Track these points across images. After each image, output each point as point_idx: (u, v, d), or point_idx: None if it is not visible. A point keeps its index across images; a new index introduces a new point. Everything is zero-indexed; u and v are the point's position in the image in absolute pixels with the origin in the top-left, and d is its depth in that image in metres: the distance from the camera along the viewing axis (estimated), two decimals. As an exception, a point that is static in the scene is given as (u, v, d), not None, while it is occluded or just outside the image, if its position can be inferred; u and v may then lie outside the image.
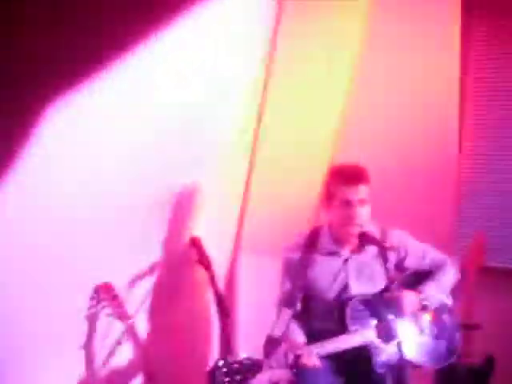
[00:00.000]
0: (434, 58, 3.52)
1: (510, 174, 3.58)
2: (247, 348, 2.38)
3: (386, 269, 2.26)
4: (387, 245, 2.38)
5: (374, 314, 2.46)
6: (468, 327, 3.26)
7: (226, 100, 3.14)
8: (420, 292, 2.53)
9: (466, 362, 3.24)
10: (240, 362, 2.09)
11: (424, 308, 2.52)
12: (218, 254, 3.28)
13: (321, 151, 3.67)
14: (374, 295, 2.50)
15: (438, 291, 2.58)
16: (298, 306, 2.50)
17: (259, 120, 3.43)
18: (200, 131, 3.04)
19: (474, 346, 3.26)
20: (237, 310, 3.68)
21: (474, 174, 3.67)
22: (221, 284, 3.52)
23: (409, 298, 2.48)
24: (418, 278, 2.63)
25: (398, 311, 2.46)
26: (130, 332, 2.53)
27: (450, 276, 2.64)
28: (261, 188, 3.58)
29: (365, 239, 2.40)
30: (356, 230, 2.42)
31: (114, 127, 2.54)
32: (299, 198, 3.69)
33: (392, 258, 2.53)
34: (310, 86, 3.51)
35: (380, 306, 2.46)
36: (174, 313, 3.22)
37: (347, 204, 2.43)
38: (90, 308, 2.54)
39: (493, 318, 3.40)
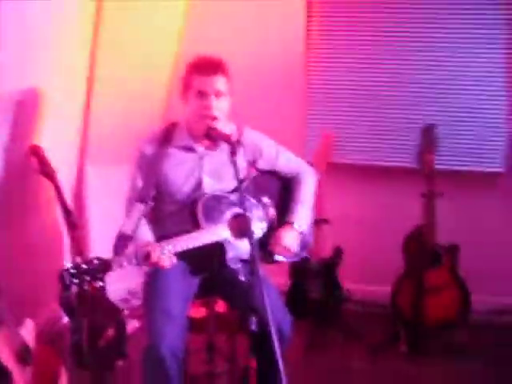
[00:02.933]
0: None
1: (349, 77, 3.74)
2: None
3: (236, 167, 2.17)
4: (233, 139, 2.28)
5: (227, 210, 2.41)
6: (319, 222, 3.40)
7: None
8: (294, 224, 2.49)
9: (318, 255, 3.41)
10: (89, 262, 1.99)
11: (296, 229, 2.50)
12: (62, 164, 3.07)
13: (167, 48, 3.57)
14: (228, 192, 2.44)
15: (308, 211, 2.57)
16: (150, 203, 2.37)
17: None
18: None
19: (326, 238, 3.42)
20: (87, 220, 3.53)
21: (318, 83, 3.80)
22: (68, 195, 3.35)
23: (290, 237, 2.47)
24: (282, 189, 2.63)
25: (285, 252, 2.46)
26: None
27: (311, 186, 2.63)
28: (104, 94, 3.36)
29: (212, 134, 2.32)
30: (211, 123, 2.32)
31: None
32: (145, 103, 3.56)
33: (243, 156, 2.48)
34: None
35: (233, 202, 2.42)
36: (20, 228, 3.00)
37: (202, 95, 2.31)
38: None
39: (339, 212, 3.58)
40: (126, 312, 3.45)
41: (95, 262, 2.01)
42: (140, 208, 2.27)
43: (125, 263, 2.09)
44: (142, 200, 2.30)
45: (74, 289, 1.96)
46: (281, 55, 3.72)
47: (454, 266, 3.31)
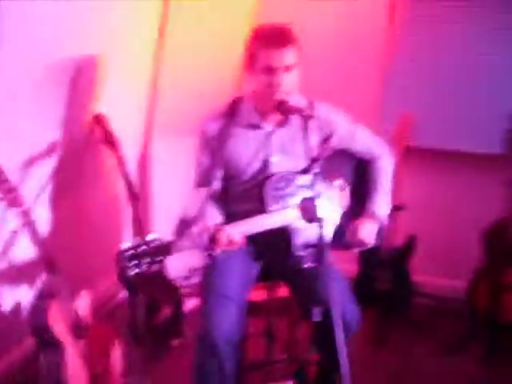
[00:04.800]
0: None
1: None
2: (162, 231, 2.14)
3: (308, 144, 1.98)
4: (307, 113, 2.06)
5: (296, 192, 2.23)
6: (394, 208, 3.19)
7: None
8: (376, 215, 2.30)
9: (389, 243, 3.20)
10: (148, 244, 1.85)
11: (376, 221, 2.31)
12: (128, 135, 2.98)
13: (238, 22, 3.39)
14: (297, 173, 2.25)
15: (388, 199, 2.37)
16: (216, 185, 2.25)
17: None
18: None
19: (399, 226, 3.20)
20: (151, 193, 3.44)
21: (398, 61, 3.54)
22: (132, 166, 3.28)
23: (369, 229, 2.27)
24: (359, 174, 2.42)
25: (361, 244, 2.26)
26: (26, 220, 2.24)
27: (389, 172, 2.41)
28: (173, 65, 3.24)
29: (284, 107, 2.11)
30: (282, 96, 2.11)
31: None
32: (214, 74, 3.43)
33: (317, 133, 2.28)
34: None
35: (303, 184, 2.23)
36: (80, 198, 2.95)
37: (271, 70, 2.10)
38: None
39: (416, 199, 3.35)
40: (186, 290, 3.40)
41: (155, 243, 1.86)
42: (204, 192, 2.13)
43: (187, 246, 1.96)
44: (206, 183, 2.16)
45: (132, 270, 1.82)
46: (360, 27, 3.51)
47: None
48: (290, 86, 2.13)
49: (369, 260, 3.24)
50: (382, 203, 2.34)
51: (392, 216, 3.13)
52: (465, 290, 3.14)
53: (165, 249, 1.89)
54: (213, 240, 2.00)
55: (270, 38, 2.10)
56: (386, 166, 2.41)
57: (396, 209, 3.20)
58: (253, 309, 2.83)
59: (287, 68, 2.11)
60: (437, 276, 3.55)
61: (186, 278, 3.56)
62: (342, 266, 3.06)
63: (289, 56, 2.10)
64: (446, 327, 3.30)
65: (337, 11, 3.53)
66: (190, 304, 3.28)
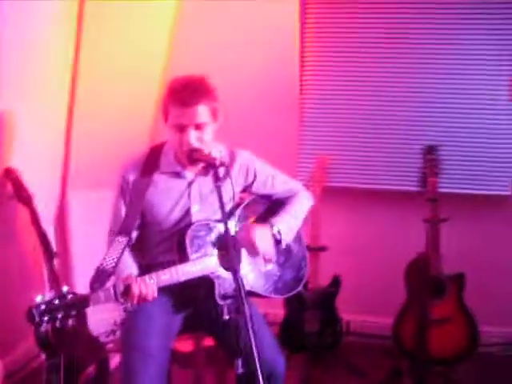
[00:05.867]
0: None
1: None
2: (83, 286, 2.05)
3: (220, 193, 1.93)
4: (218, 162, 2.01)
5: (218, 241, 2.20)
6: (315, 250, 3.21)
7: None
8: (272, 225, 2.28)
9: (314, 284, 3.21)
10: (62, 298, 1.79)
11: (278, 242, 2.29)
12: (42, 189, 2.88)
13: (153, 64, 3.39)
14: (217, 221, 2.22)
15: (293, 222, 2.35)
16: (134, 234, 2.20)
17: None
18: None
19: (322, 267, 3.22)
20: (70, 248, 3.32)
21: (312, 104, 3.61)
22: (49, 220, 3.16)
23: (261, 234, 2.24)
24: (271, 207, 2.42)
25: (250, 248, 2.23)
26: None
27: (303, 203, 2.42)
28: (86, 116, 3.17)
29: (194, 157, 2.08)
30: (193, 147, 2.09)
31: None
32: (129, 124, 3.39)
33: (237, 180, 2.27)
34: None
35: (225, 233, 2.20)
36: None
37: (181, 128, 2.07)
38: None
39: (336, 239, 3.39)
40: (110, 346, 3.27)
41: (69, 297, 1.81)
42: (122, 241, 2.06)
43: (103, 299, 1.89)
44: (124, 231, 2.09)
45: (45, 327, 1.74)
46: (273, 72, 3.56)
47: (460, 296, 3.10)
48: (202, 142, 2.10)
49: (294, 302, 3.22)
50: (284, 221, 2.32)
51: (314, 257, 3.18)
52: (391, 327, 3.17)
53: (80, 302, 1.83)
54: (126, 293, 1.93)
55: (181, 95, 2.05)
56: (300, 198, 2.42)
57: (318, 249, 3.23)
58: (180, 360, 2.76)
59: (198, 126, 2.08)
60: (363, 314, 3.57)
61: (111, 332, 3.43)
62: (268, 310, 3.05)
63: (200, 114, 2.07)
64: (375, 364, 3.31)
65: (251, 56, 3.58)
66: (117, 360, 3.15)
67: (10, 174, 2.67)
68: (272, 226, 2.28)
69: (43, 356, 2.61)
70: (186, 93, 2.04)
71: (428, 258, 3.10)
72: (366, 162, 3.55)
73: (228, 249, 1.90)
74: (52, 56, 2.87)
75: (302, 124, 3.61)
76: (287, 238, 2.32)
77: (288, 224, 2.33)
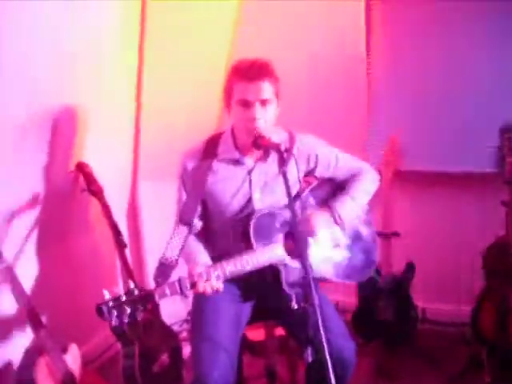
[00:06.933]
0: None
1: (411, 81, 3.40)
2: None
3: (286, 179, 1.90)
4: (283, 148, 2.00)
5: (282, 228, 2.18)
6: (389, 235, 3.13)
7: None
8: (333, 209, 2.26)
9: (387, 271, 3.13)
10: (129, 293, 1.83)
11: (340, 225, 2.27)
12: (112, 181, 2.94)
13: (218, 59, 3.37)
14: (281, 208, 2.20)
15: (354, 205, 2.31)
16: (196, 222, 2.21)
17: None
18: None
19: (395, 253, 3.13)
20: (142, 239, 3.39)
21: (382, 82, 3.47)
22: (121, 213, 3.23)
23: (322, 221, 2.23)
24: (335, 190, 2.37)
25: (310, 233, 2.21)
26: (8, 276, 2.20)
27: (367, 184, 2.36)
28: (154, 108, 3.21)
29: (259, 143, 2.06)
30: (258, 131, 2.06)
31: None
32: (196, 115, 3.40)
33: (299, 166, 2.21)
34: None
35: (288, 219, 2.18)
36: (66, 249, 2.89)
37: (246, 103, 2.06)
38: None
39: (410, 224, 3.29)
40: (184, 335, 3.32)
41: (136, 292, 1.85)
42: (184, 231, 2.08)
43: (168, 294, 1.91)
44: (186, 221, 2.10)
45: (115, 322, 1.78)
46: (341, 55, 3.45)
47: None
48: (266, 121, 2.09)
49: (367, 290, 3.16)
50: (345, 205, 2.29)
51: (388, 243, 3.10)
52: (468, 315, 3.05)
53: (147, 297, 1.86)
54: (193, 285, 1.94)
55: (246, 72, 2.07)
56: (364, 178, 2.36)
57: (391, 235, 3.15)
58: (252, 348, 2.76)
59: (263, 102, 2.07)
60: (438, 302, 3.45)
61: (184, 322, 3.49)
62: (340, 299, 2.99)
63: (265, 90, 2.07)
64: (452, 354, 3.19)
65: (314, 36, 3.49)
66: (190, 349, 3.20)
67: (83, 168, 2.74)
68: (332, 211, 2.26)
69: (119, 344, 2.69)
70: (251, 70, 2.07)
71: (508, 242, 2.96)
72: (440, 144, 3.39)
73: (294, 236, 1.87)
74: (120, 54, 2.93)
75: (372, 106, 3.50)
76: (348, 222, 2.29)
77: (350, 207, 2.30)
